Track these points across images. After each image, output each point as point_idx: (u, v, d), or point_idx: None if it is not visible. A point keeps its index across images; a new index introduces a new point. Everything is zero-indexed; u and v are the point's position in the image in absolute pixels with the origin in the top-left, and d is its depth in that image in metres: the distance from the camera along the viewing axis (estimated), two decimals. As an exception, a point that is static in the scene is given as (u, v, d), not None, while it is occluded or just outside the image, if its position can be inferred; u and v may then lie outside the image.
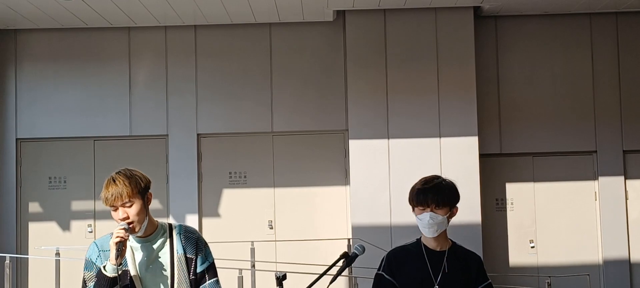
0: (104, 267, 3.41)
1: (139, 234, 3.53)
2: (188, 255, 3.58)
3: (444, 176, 3.71)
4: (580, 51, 10.43)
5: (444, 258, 3.65)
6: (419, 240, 3.73)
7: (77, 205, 10.36)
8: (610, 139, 10.31)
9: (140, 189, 3.50)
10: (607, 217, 10.23)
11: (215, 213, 10.35)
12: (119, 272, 3.41)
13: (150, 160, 10.31)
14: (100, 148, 10.42)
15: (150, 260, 3.55)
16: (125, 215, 3.46)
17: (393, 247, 3.80)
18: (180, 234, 3.61)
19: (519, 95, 10.39)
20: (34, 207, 10.37)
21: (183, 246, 3.58)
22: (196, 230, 3.70)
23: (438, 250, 3.68)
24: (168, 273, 3.53)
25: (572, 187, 10.39)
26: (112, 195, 3.45)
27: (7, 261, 8.85)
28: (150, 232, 3.57)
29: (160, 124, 10.34)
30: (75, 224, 10.35)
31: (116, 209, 3.48)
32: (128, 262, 3.53)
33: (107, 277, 3.39)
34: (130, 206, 3.47)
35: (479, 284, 3.67)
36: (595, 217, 10.33)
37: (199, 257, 3.60)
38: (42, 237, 10.26)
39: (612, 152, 10.30)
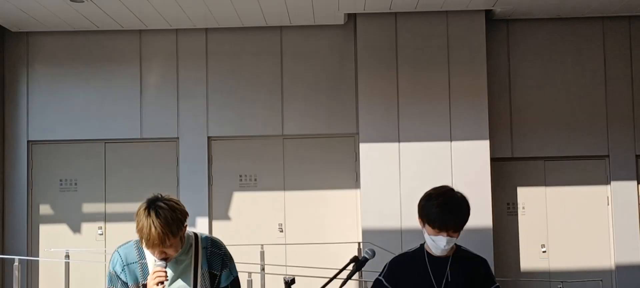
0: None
1: None
2: (213, 271, 3.50)
3: (454, 182, 3.63)
4: (593, 55, 10.37)
5: (447, 265, 3.57)
6: (422, 246, 3.66)
7: (87, 208, 10.37)
8: (623, 144, 10.24)
9: (180, 230, 3.33)
10: (620, 222, 10.16)
11: (225, 216, 10.34)
12: None
13: (161, 163, 10.32)
14: (111, 150, 10.43)
15: (175, 275, 3.47)
16: (163, 255, 3.33)
17: (396, 255, 3.74)
18: (206, 249, 3.51)
19: (531, 98, 10.34)
20: (44, 209, 10.39)
21: (208, 262, 3.49)
22: (223, 245, 3.58)
23: (441, 256, 3.59)
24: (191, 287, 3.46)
25: (584, 191, 10.33)
26: (152, 243, 3.26)
27: (16, 263, 8.85)
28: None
29: (171, 126, 10.34)
30: (85, 227, 10.36)
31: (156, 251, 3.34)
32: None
33: None
34: (170, 247, 3.33)
35: None
36: (607, 222, 10.26)
37: (224, 272, 3.53)
38: (52, 239, 10.28)
39: (625, 156, 10.23)
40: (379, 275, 3.67)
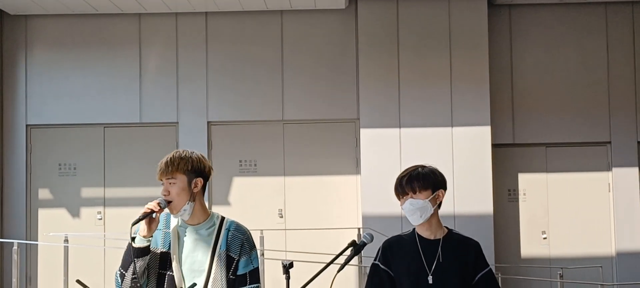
0: (133, 238, 3.37)
1: (185, 218, 3.47)
2: (230, 254, 3.47)
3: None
4: (595, 41, 10.32)
5: (438, 247, 3.58)
6: (414, 229, 3.67)
7: (86, 192, 10.35)
8: (625, 130, 10.21)
9: (187, 169, 3.42)
10: (621, 209, 10.14)
11: (225, 202, 10.32)
12: (145, 244, 3.38)
13: (160, 147, 10.27)
14: (111, 135, 10.40)
15: (192, 248, 3.47)
16: (166, 192, 3.41)
17: (389, 237, 3.74)
18: (229, 230, 3.51)
19: (533, 84, 10.30)
20: (43, 193, 10.37)
21: (228, 243, 3.47)
22: (247, 231, 3.57)
23: (432, 238, 3.60)
24: (206, 266, 3.44)
25: (585, 177, 10.30)
26: (160, 168, 3.42)
27: (15, 247, 8.84)
28: (199, 220, 3.50)
29: (170, 111, 10.31)
30: (84, 211, 10.35)
31: (163, 184, 3.43)
32: (172, 245, 3.48)
33: (134, 247, 3.36)
34: (174, 183, 3.40)
35: (478, 271, 3.57)
36: (608, 209, 10.24)
37: (242, 258, 3.48)
38: (51, 223, 10.27)
39: (627, 143, 10.20)
40: (374, 260, 3.67)
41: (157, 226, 3.42)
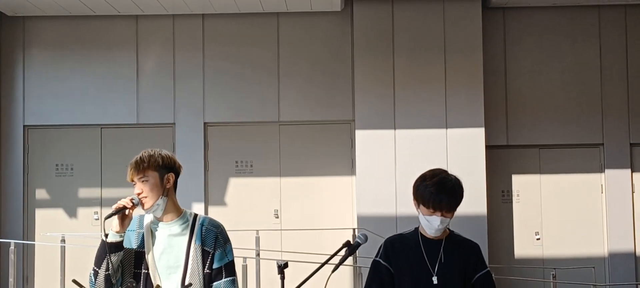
0: (106, 234, 3.42)
1: (156, 215, 3.53)
2: (206, 248, 3.52)
3: (449, 170, 3.66)
4: (588, 43, 10.39)
5: (441, 248, 3.62)
6: (416, 229, 3.70)
7: (83, 193, 10.39)
8: (618, 132, 10.27)
9: (158, 166, 3.51)
10: (613, 210, 10.21)
11: (221, 202, 10.36)
12: (117, 240, 3.43)
13: (157, 148, 10.29)
14: (108, 135, 10.44)
15: (167, 245, 3.52)
16: (139, 190, 3.47)
17: (390, 235, 3.77)
18: (202, 225, 3.56)
19: (526, 87, 10.36)
20: (40, 193, 10.41)
21: (202, 238, 3.52)
22: (221, 225, 3.62)
23: (435, 239, 3.64)
24: (182, 261, 3.50)
25: (578, 179, 10.36)
26: (131, 169, 3.49)
27: (12, 247, 8.87)
28: (172, 217, 3.55)
29: (167, 112, 10.35)
30: (81, 211, 10.38)
31: (136, 184, 3.49)
32: (145, 243, 3.52)
33: (106, 241, 3.41)
34: (146, 181, 3.47)
35: (478, 272, 3.63)
36: (601, 210, 10.31)
37: (217, 251, 3.53)
38: (48, 223, 10.30)
39: (619, 144, 10.26)
40: (376, 256, 3.70)
41: (129, 222, 3.48)
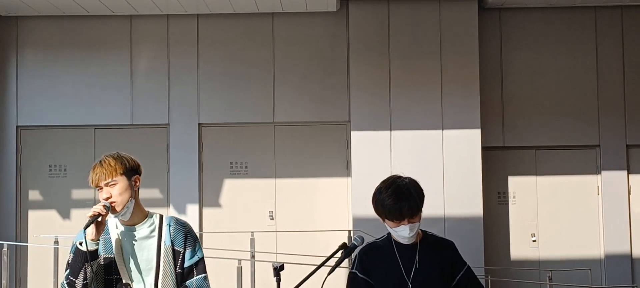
0: (81, 243, 3.39)
1: (124, 219, 3.50)
2: (176, 248, 3.53)
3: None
4: (585, 45, 10.38)
5: (416, 253, 3.55)
6: (389, 235, 3.63)
7: (77, 194, 10.33)
8: (614, 134, 10.26)
9: (125, 170, 3.49)
10: (610, 212, 10.19)
11: (216, 204, 10.32)
12: (94, 248, 3.39)
13: (151, 149, 10.28)
14: (101, 137, 10.38)
15: (137, 249, 3.51)
16: (108, 195, 3.44)
17: (363, 245, 3.65)
18: (170, 226, 3.56)
19: (523, 88, 10.35)
20: (33, 195, 10.35)
21: (172, 238, 3.53)
22: (188, 224, 3.64)
23: (409, 244, 3.56)
24: (154, 263, 3.49)
25: (574, 181, 10.35)
26: (96, 175, 3.47)
27: (5, 249, 8.82)
28: (138, 220, 3.54)
29: (161, 113, 10.30)
30: (75, 213, 10.33)
31: (101, 189, 3.46)
32: (113, 248, 3.50)
33: (81, 251, 3.38)
34: (114, 185, 3.45)
35: (457, 272, 3.57)
36: (597, 212, 10.29)
37: (187, 250, 3.54)
38: (41, 225, 10.24)
39: (616, 146, 10.25)
40: (352, 268, 3.64)
41: (104, 229, 3.45)
